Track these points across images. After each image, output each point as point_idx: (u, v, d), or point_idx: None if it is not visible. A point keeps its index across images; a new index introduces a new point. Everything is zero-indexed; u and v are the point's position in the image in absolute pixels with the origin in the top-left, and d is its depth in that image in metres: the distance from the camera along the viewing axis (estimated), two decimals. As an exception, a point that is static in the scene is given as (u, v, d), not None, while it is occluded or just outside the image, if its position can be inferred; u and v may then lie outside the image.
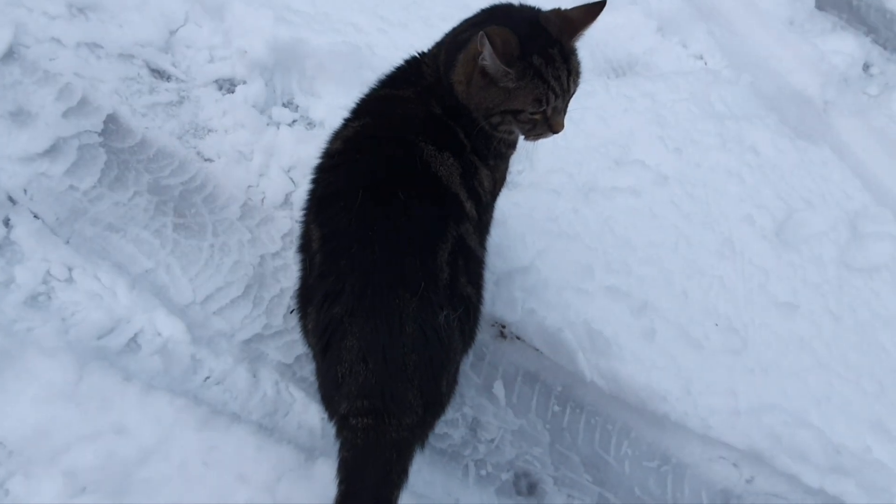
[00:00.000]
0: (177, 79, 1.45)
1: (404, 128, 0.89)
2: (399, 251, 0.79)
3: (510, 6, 0.93)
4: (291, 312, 1.24)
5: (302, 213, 0.94)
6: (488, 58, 0.82)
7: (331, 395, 0.82)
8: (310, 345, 0.91)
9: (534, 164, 1.48)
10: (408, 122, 0.89)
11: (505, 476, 1.22)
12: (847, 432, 1.31)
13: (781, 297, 1.43)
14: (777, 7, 2.14)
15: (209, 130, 1.40)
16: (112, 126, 1.35)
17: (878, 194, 1.73)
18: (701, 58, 1.94)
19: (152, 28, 1.45)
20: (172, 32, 1.47)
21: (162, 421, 1.01)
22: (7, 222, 1.20)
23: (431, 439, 1.21)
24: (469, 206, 0.89)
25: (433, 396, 0.82)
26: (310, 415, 1.13)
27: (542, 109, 0.87)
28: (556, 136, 0.93)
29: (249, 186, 1.36)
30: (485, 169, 0.95)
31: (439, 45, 0.97)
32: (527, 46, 0.82)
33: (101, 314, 1.13)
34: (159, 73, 1.45)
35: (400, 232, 0.81)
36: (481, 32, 0.79)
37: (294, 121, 1.47)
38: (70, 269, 1.17)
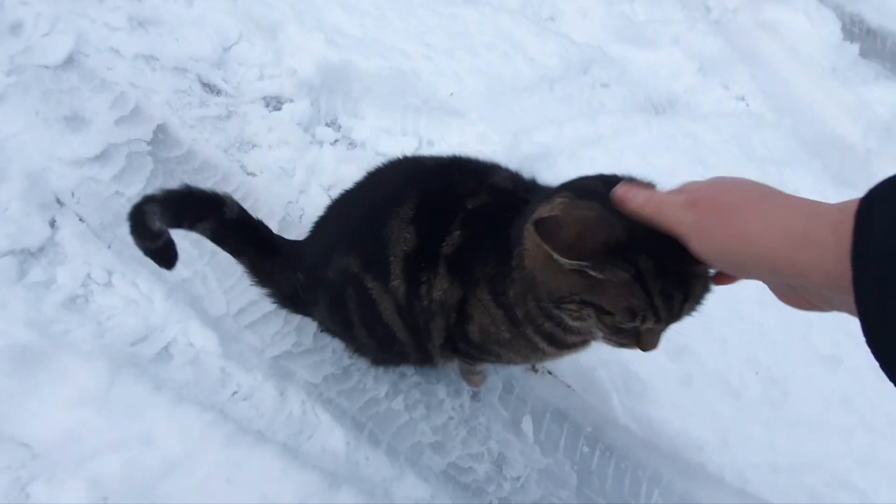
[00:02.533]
0: (226, 94, 1.48)
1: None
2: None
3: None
4: (323, 331, 1.23)
5: None
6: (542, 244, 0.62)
7: None
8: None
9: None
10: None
11: (529, 517, 1.17)
12: (892, 496, 1.24)
13: (824, 349, 1.38)
14: (820, 53, 2.13)
15: (254, 145, 1.43)
16: (161, 136, 1.38)
17: (924, 249, 1.68)
18: (743, 99, 1.93)
19: (207, 44, 1.49)
20: (226, 49, 1.51)
21: (189, 434, 1.00)
22: (53, 223, 1.22)
23: (454, 472, 1.18)
24: (398, 283, 0.84)
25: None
26: (335, 438, 1.11)
27: (633, 325, 0.65)
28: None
29: (289, 202, 1.37)
30: (459, 289, 0.82)
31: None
32: (635, 241, 0.60)
33: (137, 321, 1.13)
34: (210, 88, 1.48)
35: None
36: (531, 221, 0.62)
37: (336, 140, 1.49)
38: (110, 274, 1.18)
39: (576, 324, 0.69)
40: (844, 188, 1.74)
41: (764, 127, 1.77)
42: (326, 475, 1.04)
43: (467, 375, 1.21)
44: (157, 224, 0.92)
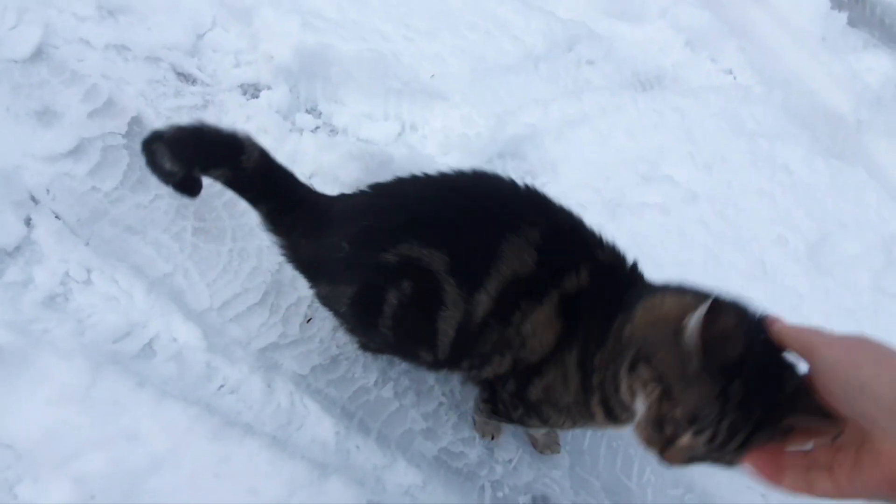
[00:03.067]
0: (202, 82, 1.44)
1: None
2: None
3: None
4: (308, 321, 1.22)
5: None
6: (692, 323, 0.61)
7: None
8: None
9: (559, 176, 1.44)
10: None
11: (522, 499, 1.17)
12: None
13: (815, 321, 1.37)
14: (809, 24, 2.10)
15: (232, 135, 1.39)
16: (136, 128, 1.35)
17: (915, 218, 1.67)
18: (730, 73, 1.90)
19: (180, 31, 1.45)
20: (200, 36, 1.47)
21: (174, 429, 0.99)
22: (28, 222, 1.20)
23: (446, 457, 1.18)
24: (485, 298, 0.81)
25: None
26: (324, 428, 1.10)
27: (686, 429, 0.63)
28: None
29: (270, 192, 1.34)
30: (526, 323, 0.81)
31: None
32: (746, 362, 0.60)
33: (118, 317, 1.11)
34: (185, 77, 1.44)
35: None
36: (712, 298, 0.60)
37: (317, 127, 1.46)
38: (89, 271, 1.16)
39: (625, 396, 0.70)
40: (835, 160, 1.73)
41: (753, 100, 1.75)
42: (316, 465, 1.04)
43: (482, 426, 1.18)
44: (167, 165, 0.84)
